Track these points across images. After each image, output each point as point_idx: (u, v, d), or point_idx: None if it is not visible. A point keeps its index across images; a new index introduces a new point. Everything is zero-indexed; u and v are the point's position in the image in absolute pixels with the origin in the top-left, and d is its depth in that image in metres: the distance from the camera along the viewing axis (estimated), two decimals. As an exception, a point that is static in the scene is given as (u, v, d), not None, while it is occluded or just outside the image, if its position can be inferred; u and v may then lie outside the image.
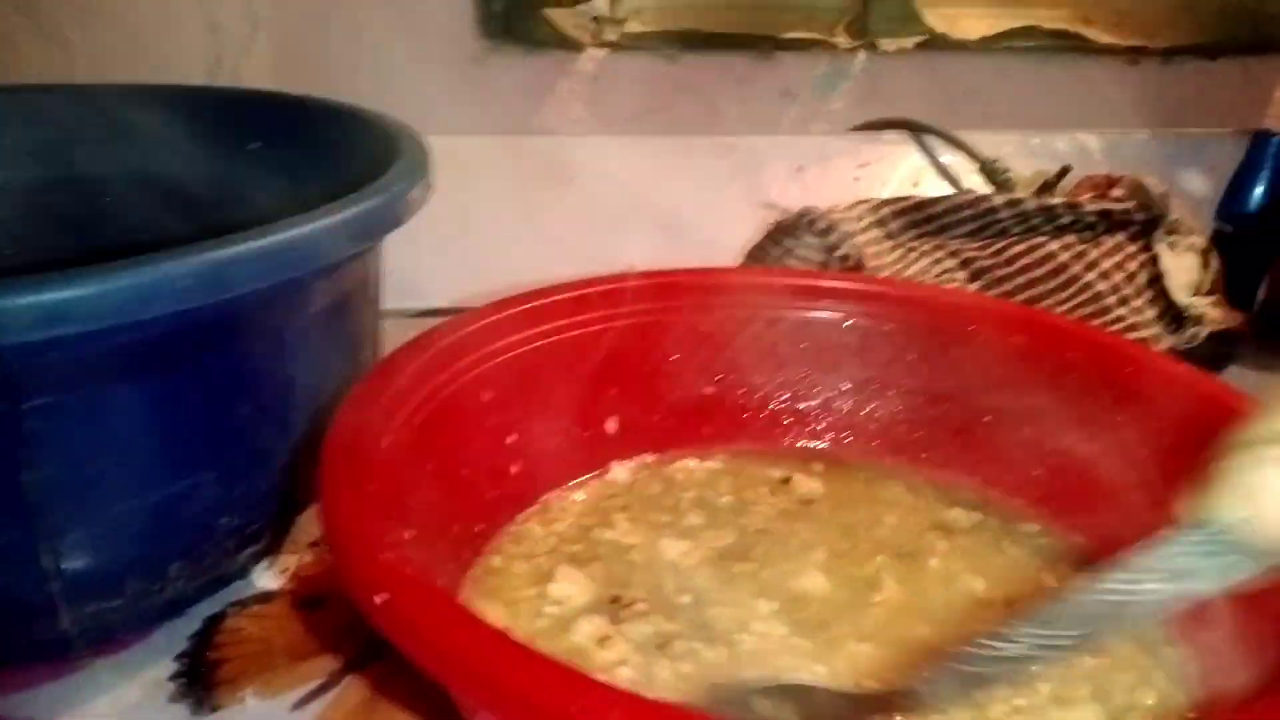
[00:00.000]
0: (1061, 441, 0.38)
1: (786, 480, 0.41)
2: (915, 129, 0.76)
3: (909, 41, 0.80)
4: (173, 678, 0.35)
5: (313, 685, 0.35)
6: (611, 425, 0.41)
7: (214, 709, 0.34)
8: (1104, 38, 0.83)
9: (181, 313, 0.27)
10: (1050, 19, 0.83)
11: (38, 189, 0.47)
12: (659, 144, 0.74)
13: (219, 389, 0.32)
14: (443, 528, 0.32)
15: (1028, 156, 0.75)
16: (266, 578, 0.40)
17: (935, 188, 0.75)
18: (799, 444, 0.43)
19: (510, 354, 0.37)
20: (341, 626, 0.37)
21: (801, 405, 0.44)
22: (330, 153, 0.43)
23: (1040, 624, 0.23)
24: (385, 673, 0.35)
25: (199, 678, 0.35)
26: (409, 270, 0.61)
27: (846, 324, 0.43)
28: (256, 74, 0.70)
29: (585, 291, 0.40)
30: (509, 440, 0.37)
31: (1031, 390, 0.39)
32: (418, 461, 0.31)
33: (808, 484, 0.41)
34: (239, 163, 0.46)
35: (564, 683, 0.20)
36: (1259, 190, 0.67)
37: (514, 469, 0.37)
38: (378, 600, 0.21)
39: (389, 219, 0.34)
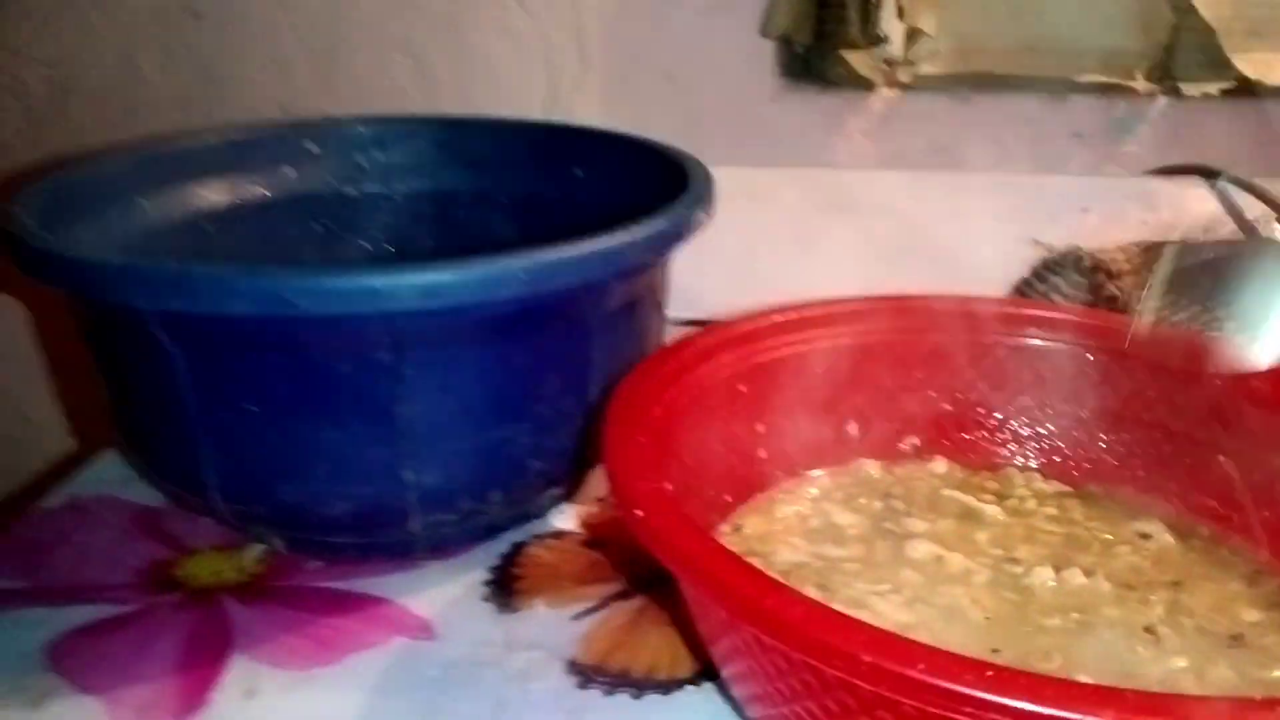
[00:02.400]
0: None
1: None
2: (1213, 175, 0.75)
3: (1214, 87, 0.79)
4: (485, 583, 0.45)
5: (590, 604, 0.43)
6: (852, 428, 0.47)
7: (513, 610, 0.43)
8: None
9: (517, 298, 0.37)
10: (1377, 63, 0.78)
11: (410, 199, 0.60)
12: (941, 179, 0.77)
13: (537, 360, 0.41)
14: (696, 489, 0.40)
15: (1341, 209, 0.72)
16: (561, 520, 0.49)
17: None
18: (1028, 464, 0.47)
19: (769, 355, 0.44)
20: (618, 564, 0.46)
21: (1037, 429, 0.47)
22: (633, 179, 0.52)
23: None
24: (647, 603, 0.44)
25: (504, 586, 0.44)
26: (697, 284, 0.70)
27: (1089, 356, 0.46)
28: (585, 107, 0.81)
29: (839, 309, 0.46)
30: (759, 429, 0.44)
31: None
32: (679, 431, 0.38)
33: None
34: (562, 185, 0.57)
35: (798, 604, 0.26)
36: None
37: (761, 454, 0.44)
38: (638, 514, 0.29)
39: (673, 237, 0.42)
